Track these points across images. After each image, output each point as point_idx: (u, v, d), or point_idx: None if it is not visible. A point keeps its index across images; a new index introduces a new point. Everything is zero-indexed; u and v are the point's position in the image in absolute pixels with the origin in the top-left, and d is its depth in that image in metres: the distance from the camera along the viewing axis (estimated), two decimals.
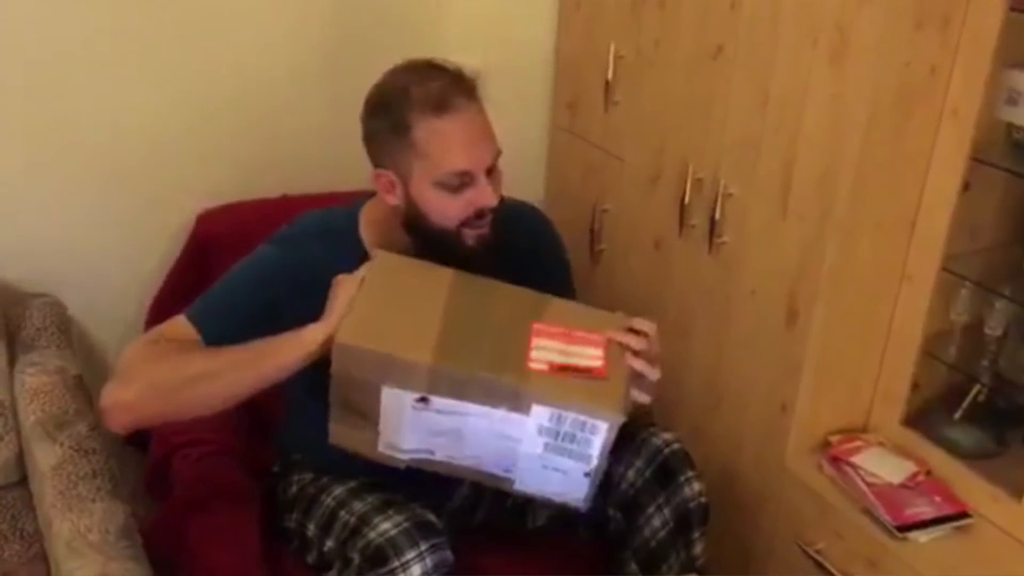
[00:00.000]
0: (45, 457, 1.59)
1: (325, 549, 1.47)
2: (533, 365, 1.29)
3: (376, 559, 1.34)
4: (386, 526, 1.37)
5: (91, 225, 1.93)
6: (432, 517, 1.41)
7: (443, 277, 1.38)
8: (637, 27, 1.94)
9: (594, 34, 2.07)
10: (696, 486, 1.52)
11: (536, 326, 1.33)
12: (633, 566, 1.55)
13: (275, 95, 2.02)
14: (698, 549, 1.53)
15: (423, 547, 1.35)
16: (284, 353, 1.31)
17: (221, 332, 1.38)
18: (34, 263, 1.89)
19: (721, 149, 1.78)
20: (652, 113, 1.93)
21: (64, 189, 1.89)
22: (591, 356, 1.32)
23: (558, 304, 1.39)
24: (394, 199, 1.43)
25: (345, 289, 1.32)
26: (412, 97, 1.37)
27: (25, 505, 1.67)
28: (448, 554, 1.38)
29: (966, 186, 1.58)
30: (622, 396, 1.31)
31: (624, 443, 1.43)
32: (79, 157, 1.89)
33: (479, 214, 1.40)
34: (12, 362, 1.73)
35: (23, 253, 1.86)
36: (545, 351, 1.31)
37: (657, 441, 1.53)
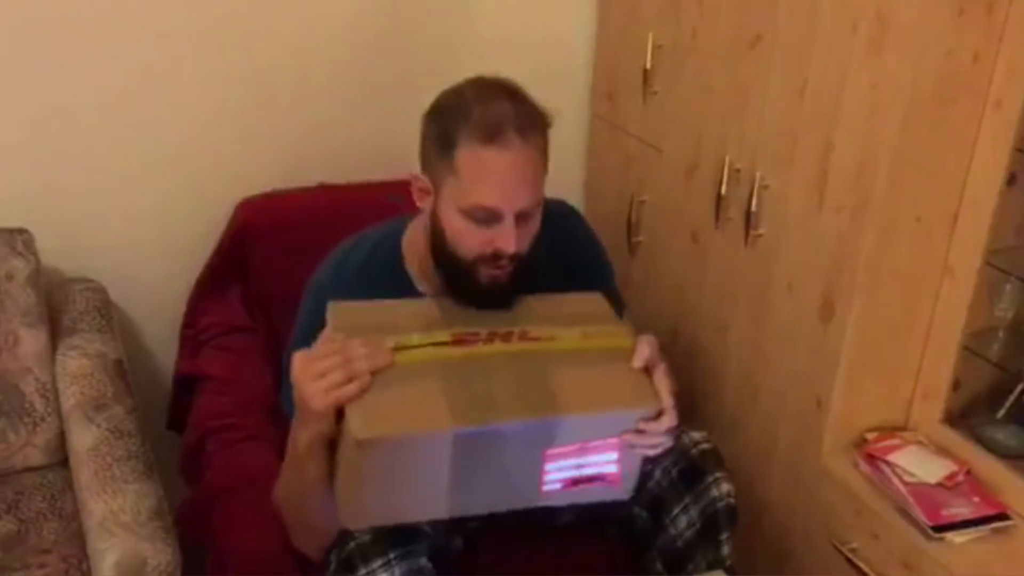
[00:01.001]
0: (83, 438, 1.63)
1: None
2: (547, 488, 1.32)
3: (346, 566, 1.34)
4: (362, 532, 1.35)
5: (133, 212, 1.97)
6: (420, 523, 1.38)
7: (441, 443, 1.24)
8: (675, 16, 1.91)
9: (633, 23, 2.05)
10: (725, 487, 1.49)
11: (549, 452, 1.30)
12: (659, 566, 1.53)
13: (314, 85, 2.03)
14: (726, 551, 1.51)
15: (391, 555, 1.33)
16: (302, 457, 1.29)
17: None
18: (76, 249, 1.92)
19: (758, 139, 1.74)
20: (690, 103, 1.91)
21: (106, 177, 1.93)
22: (605, 462, 1.33)
23: (574, 418, 1.28)
24: (424, 205, 1.40)
25: (313, 397, 1.21)
26: (470, 116, 1.30)
27: (65, 485, 1.71)
28: (422, 561, 1.35)
29: (1012, 179, 1.54)
30: (633, 485, 1.39)
31: None
32: (120, 145, 1.92)
33: (496, 255, 1.34)
34: (54, 345, 1.77)
35: (66, 239, 1.89)
36: (559, 471, 1.31)
37: (686, 440, 1.51)
